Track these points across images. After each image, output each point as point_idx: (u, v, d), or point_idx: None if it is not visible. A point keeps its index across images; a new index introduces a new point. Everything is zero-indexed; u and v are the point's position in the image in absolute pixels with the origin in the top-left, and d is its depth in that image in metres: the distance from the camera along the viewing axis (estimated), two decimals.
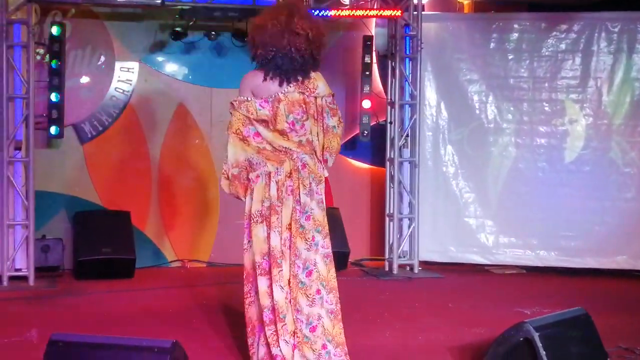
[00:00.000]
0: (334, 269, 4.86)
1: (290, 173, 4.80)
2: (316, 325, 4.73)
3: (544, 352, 4.80)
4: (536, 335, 4.83)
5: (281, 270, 4.73)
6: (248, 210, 4.89)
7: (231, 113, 4.87)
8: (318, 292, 4.77)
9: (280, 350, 4.65)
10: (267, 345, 4.74)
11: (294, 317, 4.72)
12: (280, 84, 4.79)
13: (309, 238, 4.78)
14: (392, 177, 8.86)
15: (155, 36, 8.81)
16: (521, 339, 4.87)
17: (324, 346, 4.75)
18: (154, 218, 8.93)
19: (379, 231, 9.22)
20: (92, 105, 8.71)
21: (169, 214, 8.98)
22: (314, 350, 4.70)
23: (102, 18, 8.67)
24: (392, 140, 8.83)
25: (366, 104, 9.05)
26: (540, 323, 4.96)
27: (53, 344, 4.43)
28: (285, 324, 4.69)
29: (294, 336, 4.71)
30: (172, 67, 8.96)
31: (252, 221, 4.86)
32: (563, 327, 5.09)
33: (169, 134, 8.94)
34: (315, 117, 4.87)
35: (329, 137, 4.92)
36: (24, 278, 7.83)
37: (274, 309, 4.72)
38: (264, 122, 4.81)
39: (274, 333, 4.72)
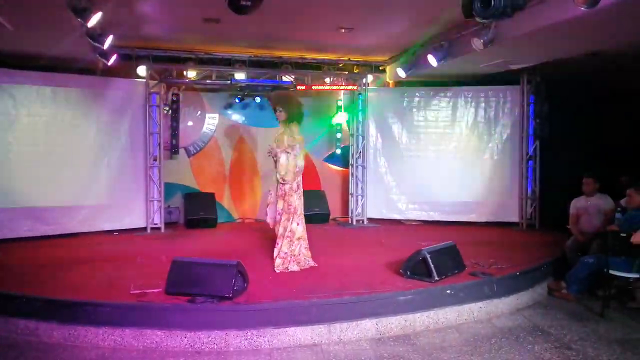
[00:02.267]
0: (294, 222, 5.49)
1: None
2: (291, 240, 5.47)
3: (432, 265, 4.84)
4: (428, 256, 4.88)
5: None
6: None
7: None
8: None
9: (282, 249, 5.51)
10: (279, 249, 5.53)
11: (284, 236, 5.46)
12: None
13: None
14: (352, 174, 8.83)
15: (227, 100, 8.76)
16: (420, 258, 4.92)
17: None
18: (226, 196, 8.87)
19: (345, 202, 9.17)
20: (194, 137, 8.66)
21: (234, 193, 8.91)
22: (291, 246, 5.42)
23: (199, 90, 8.62)
24: (352, 154, 8.78)
25: (338, 135, 9.04)
26: (430, 250, 5.01)
27: (174, 263, 4.46)
28: (281, 244, 5.43)
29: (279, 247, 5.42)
30: (236, 116, 8.88)
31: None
32: (442, 251, 5.14)
33: (234, 152, 8.88)
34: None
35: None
36: (158, 228, 7.86)
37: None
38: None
39: (279, 247, 5.44)
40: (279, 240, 5.61)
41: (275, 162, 5.47)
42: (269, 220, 5.86)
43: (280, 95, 5.90)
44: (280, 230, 5.65)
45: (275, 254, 5.59)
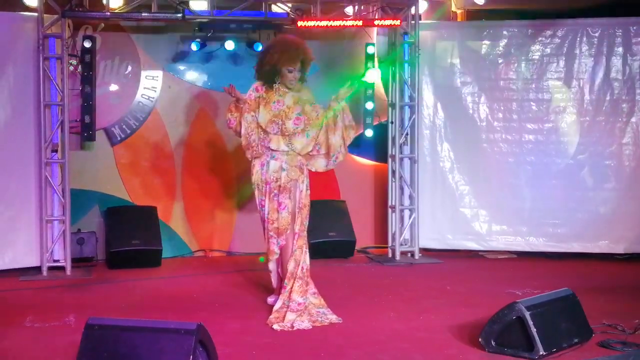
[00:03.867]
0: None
1: None
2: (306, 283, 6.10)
3: (535, 329, 4.84)
4: (527, 314, 4.87)
5: None
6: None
7: None
8: None
9: None
10: None
11: None
12: None
13: None
14: (393, 172, 8.85)
15: (177, 47, 8.82)
16: (514, 317, 4.92)
17: None
18: (178, 212, 8.93)
19: (382, 221, 9.20)
20: (121, 111, 8.72)
21: (191, 208, 8.97)
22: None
23: (128, 31, 8.69)
24: (394, 138, 8.81)
25: (369, 105, 9.05)
26: (530, 303, 5.00)
27: (90, 327, 4.47)
28: (290, 288, 6.01)
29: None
30: (192, 75, 8.94)
31: None
32: (551, 306, 5.12)
33: (190, 136, 8.93)
34: None
35: None
36: (62, 268, 7.89)
37: None
38: None
39: (286, 293, 6.00)
40: (287, 282, 5.90)
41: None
42: (273, 280, 6.35)
43: (297, 42, 6.17)
44: (290, 266, 5.95)
45: (278, 305, 5.88)
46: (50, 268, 7.88)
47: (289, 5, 8.33)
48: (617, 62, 8.69)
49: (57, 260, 7.94)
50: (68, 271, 7.85)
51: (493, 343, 4.98)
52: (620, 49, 8.68)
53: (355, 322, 5.78)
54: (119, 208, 8.59)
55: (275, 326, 5.59)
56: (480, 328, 5.16)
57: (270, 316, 5.80)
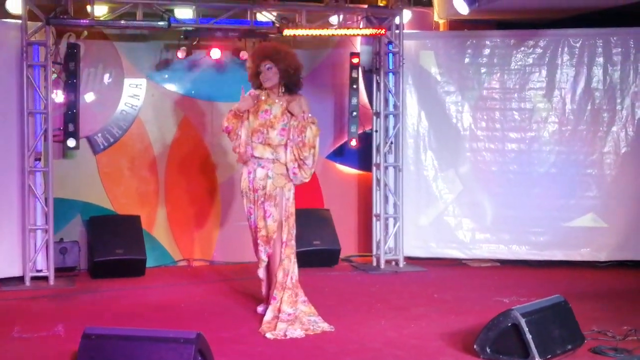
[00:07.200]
0: None
1: None
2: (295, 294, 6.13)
3: (530, 336, 4.88)
4: (522, 321, 4.92)
5: None
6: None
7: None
8: None
9: None
10: None
11: None
12: None
13: None
14: (378, 181, 8.88)
15: (160, 55, 8.79)
16: (509, 324, 4.96)
17: None
18: (161, 221, 8.89)
19: (366, 230, 9.22)
20: (104, 119, 8.67)
21: (174, 217, 8.94)
22: None
23: (111, 39, 8.64)
24: (378, 147, 8.86)
25: (353, 114, 9.08)
26: (525, 310, 5.05)
27: (87, 337, 4.44)
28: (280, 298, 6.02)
29: None
30: (176, 83, 8.90)
31: None
32: (545, 313, 5.18)
33: (174, 144, 8.90)
34: None
35: None
36: (45, 278, 7.82)
37: None
38: None
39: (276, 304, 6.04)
40: (276, 293, 5.90)
41: (298, 153, 6.00)
42: (263, 289, 6.39)
43: (270, 43, 6.36)
44: (279, 276, 5.95)
45: (268, 316, 5.88)
46: (33, 278, 7.79)
47: (275, 14, 8.36)
48: (598, 72, 8.79)
49: (40, 270, 7.86)
50: (51, 281, 7.78)
51: (488, 350, 5.02)
52: (601, 59, 8.78)
53: (348, 330, 5.80)
54: (102, 217, 8.54)
55: (268, 335, 5.60)
56: (472, 335, 5.20)
57: (262, 326, 5.80)
